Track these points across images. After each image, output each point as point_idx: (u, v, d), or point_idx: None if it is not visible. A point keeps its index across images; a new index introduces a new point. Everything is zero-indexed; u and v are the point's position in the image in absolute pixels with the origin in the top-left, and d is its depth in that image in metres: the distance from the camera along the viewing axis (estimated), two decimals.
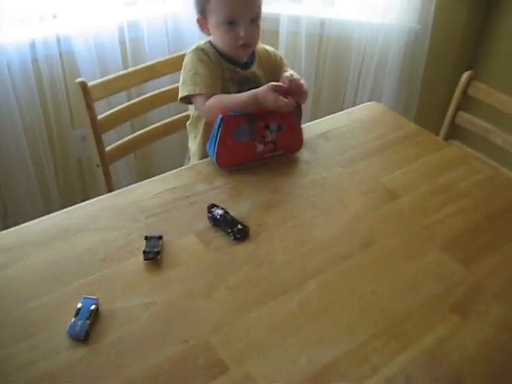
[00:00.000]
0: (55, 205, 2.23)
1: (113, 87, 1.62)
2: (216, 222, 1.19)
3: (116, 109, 1.65)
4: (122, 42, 2.08)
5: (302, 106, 1.41)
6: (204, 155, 1.43)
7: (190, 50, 1.44)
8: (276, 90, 1.30)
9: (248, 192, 1.30)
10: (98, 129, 1.59)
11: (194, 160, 1.57)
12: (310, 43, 2.31)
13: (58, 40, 1.93)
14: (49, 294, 1.02)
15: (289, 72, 1.42)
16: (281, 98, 1.29)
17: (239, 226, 1.17)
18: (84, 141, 2.03)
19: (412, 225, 1.23)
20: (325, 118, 1.63)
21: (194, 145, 1.55)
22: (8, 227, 2.11)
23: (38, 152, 2.08)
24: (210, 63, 1.40)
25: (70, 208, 1.24)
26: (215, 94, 1.38)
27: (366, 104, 1.74)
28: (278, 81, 1.37)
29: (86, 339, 0.94)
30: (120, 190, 1.31)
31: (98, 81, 1.58)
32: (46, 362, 0.91)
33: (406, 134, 1.57)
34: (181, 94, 1.43)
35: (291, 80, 1.33)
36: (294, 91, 1.33)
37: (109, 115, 1.63)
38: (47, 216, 1.22)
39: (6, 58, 1.85)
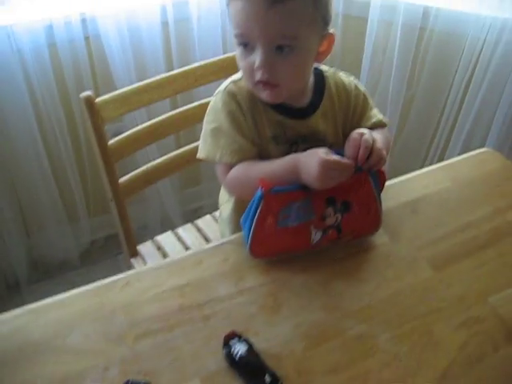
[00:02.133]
0: (83, 221, 1.90)
1: (131, 102, 1.21)
2: (234, 364, 0.79)
3: (135, 130, 1.25)
4: (165, 24, 1.64)
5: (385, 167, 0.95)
6: (239, 226, 1.01)
7: (220, 87, 1.00)
8: (328, 165, 0.85)
9: (290, 304, 0.88)
10: (110, 157, 1.21)
11: (225, 227, 1.16)
12: (406, 38, 1.78)
13: (83, 21, 1.52)
14: None
15: (361, 130, 0.91)
16: (332, 172, 0.85)
17: (267, 379, 0.76)
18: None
19: None
20: (414, 173, 1.15)
21: (226, 206, 1.14)
22: (31, 248, 1.79)
23: (59, 157, 1.72)
24: (241, 118, 0.96)
25: (34, 305, 0.88)
26: (243, 161, 0.95)
27: (475, 153, 1.22)
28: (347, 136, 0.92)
29: None
30: (111, 280, 0.92)
31: (111, 95, 1.17)
32: None
33: None
34: (199, 154, 1.00)
35: (364, 147, 0.87)
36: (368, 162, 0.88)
37: (124, 139, 1.23)
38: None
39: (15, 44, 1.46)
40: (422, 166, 2.06)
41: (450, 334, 0.85)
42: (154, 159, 1.34)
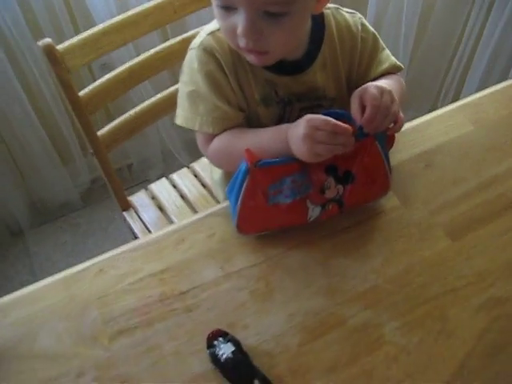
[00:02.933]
0: (79, 161, 1.79)
1: (101, 46, 1.04)
2: (220, 367, 0.70)
3: (109, 76, 1.09)
4: None
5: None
6: None
7: (195, 41, 0.83)
8: (315, 123, 0.70)
9: (284, 288, 0.78)
10: (82, 110, 1.06)
11: (217, 189, 1.05)
12: None
13: None
14: None
15: (381, 85, 0.73)
16: (322, 135, 0.70)
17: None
18: (106, 70, 1.50)
19: None
20: (429, 116, 0.98)
21: (215, 169, 1.01)
22: (29, 193, 1.68)
23: (42, 98, 1.57)
24: (222, 79, 0.80)
25: None
26: (227, 130, 0.81)
27: (501, 86, 1.02)
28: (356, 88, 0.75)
29: None
30: (82, 267, 0.82)
31: (75, 40, 1.01)
32: None
33: None
34: (176, 119, 0.85)
35: (373, 108, 0.70)
36: (377, 125, 0.72)
37: (97, 88, 1.08)
38: None
39: None
40: (441, 85, 1.86)
41: (468, 320, 0.74)
42: (149, 98, 1.20)
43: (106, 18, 1.27)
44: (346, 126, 0.70)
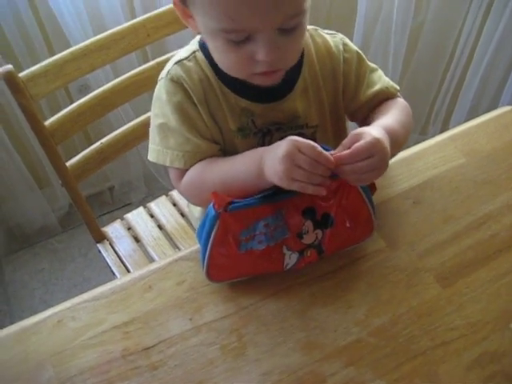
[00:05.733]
0: (56, 185, 1.71)
1: (67, 72, 0.98)
2: None
3: (78, 103, 1.03)
4: None
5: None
6: None
7: (163, 71, 0.78)
8: (299, 145, 0.63)
9: (258, 342, 0.70)
10: (48, 140, 1.00)
11: (196, 223, 0.98)
12: None
13: None
14: None
15: (372, 136, 0.64)
16: (302, 159, 0.63)
17: None
18: (85, 92, 1.44)
19: None
20: (418, 147, 0.91)
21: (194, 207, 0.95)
22: (6, 219, 1.60)
23: (16, 123, 1.50)
24: (192, 111, 0.74)
25: None
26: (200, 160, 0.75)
27: (495, 114, 0.96)
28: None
29: None
30: (39, 319, 0.74)
31: (39, 67, 0.95)
32: None
33: None
34: (149, 155, 0.79)
35: (356, 150, 0.64)
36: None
37: (65, 117, 1.01)
38: None
39: None
40: (432, 105, 1.80)
41: (460, 378, 0.67)
42: (130, 120, 1.14)
43: (79, 35, 1.22)
44: (329, 156, 0.64)
